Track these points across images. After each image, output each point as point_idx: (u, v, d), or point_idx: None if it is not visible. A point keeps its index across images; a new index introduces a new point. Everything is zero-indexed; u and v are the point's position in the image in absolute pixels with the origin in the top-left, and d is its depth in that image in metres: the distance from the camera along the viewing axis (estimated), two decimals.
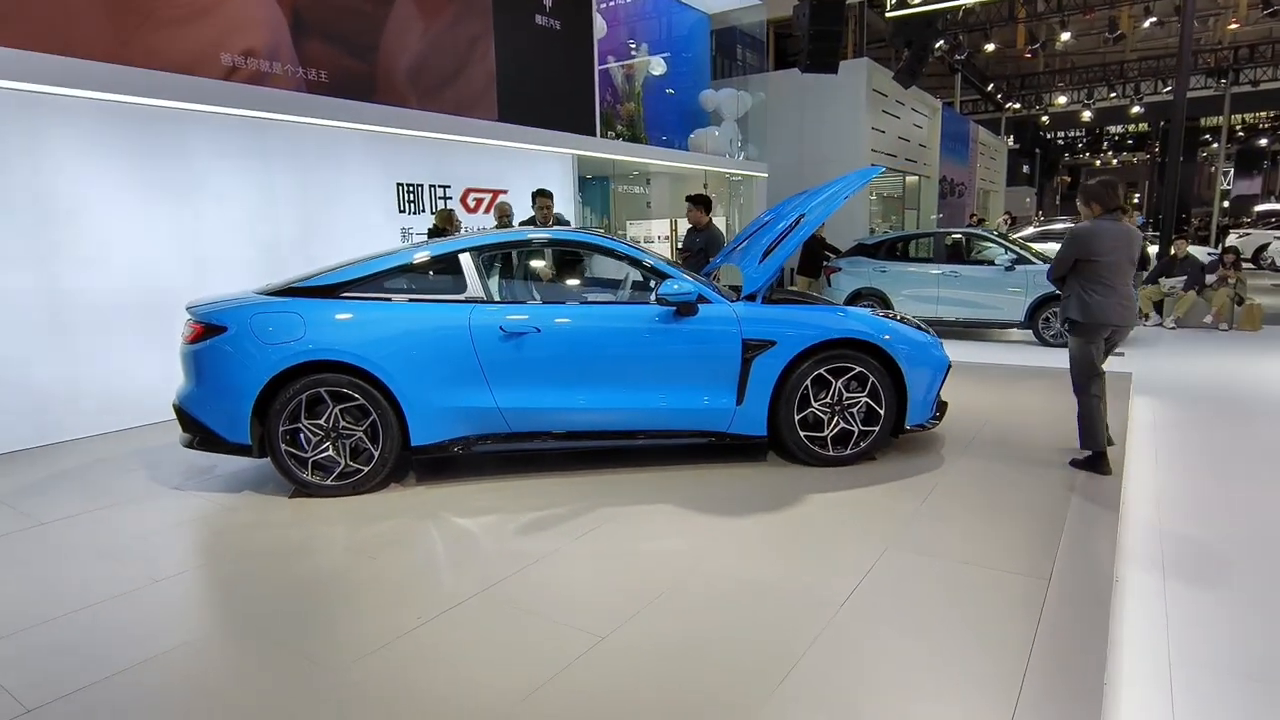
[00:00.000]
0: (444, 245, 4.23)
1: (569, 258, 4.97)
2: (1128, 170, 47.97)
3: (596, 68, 10.22)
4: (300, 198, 6.47)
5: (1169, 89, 24.71)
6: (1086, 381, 4.16)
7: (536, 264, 4.93)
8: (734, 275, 4.92)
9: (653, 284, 4.14)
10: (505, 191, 8.38)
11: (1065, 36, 21.43)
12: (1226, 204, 34.83)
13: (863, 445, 4.21)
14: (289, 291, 3.97)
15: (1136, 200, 43.39)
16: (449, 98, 8.01)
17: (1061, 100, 32.07)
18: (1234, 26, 23.87)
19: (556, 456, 4.41)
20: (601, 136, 10.52)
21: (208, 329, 3.84)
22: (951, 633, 2.52)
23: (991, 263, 9.30)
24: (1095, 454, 4.12)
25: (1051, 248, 9.31)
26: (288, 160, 6.35)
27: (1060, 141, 44.14)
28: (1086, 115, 33.58)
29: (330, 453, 3.84)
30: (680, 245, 7.98)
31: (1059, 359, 6.01)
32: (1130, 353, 8.45)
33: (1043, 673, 2.27)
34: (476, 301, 3.99)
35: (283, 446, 3.79)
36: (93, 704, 2.23)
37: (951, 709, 2.15)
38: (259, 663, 2.46)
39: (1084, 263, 4.04)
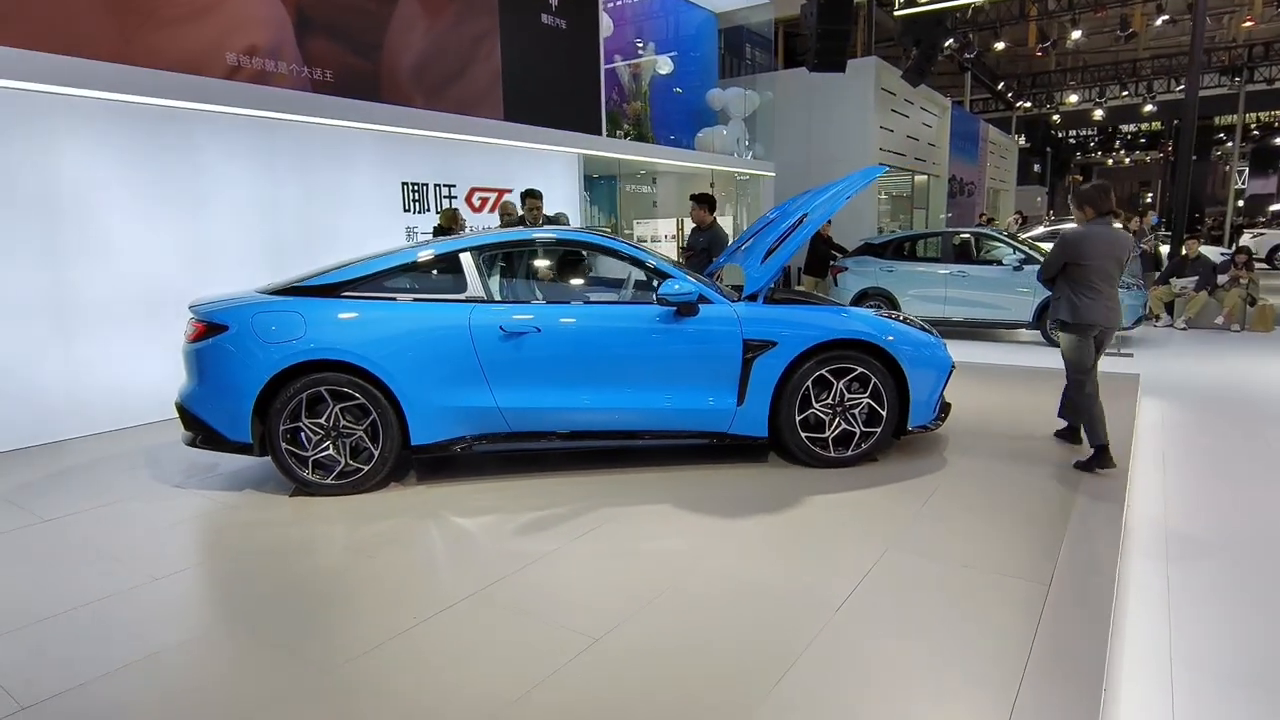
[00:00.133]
0: (444, 245, 4.23)
1: (571, 257, 4.96)
2: (1140, 169, 47.59)
3: (603, 67, 10.21)
4: (305, 197, 6.49)
5: (1182, 87, 24.48)
6: (1081, 377, 4.25)
7: (537, 263, 4.91)
8: (738, 275, 4.90)
9: (655, 284, 4.13)
10: (510, 191, 8.38)
11: (1076, 35, 21.25)
12: (1241, 203, 34.50)
13: (864, 446, 4.18)
14: (290, 291, 3.98)
15: (1150, 199, 43.04)
16: (454, 96, 8.02)
17: (1073, 99, 31.79)
18: (1249, 24, 23.63)
19: (558, 456, 4.40)
20: (608, 136, 10.50)
21: (209, 328, 3.85)
22: (949, 635, 2.50)
23: (999, 263, 9.24)
24: (1098, 448, 4.13)
25: None
26: (293, 159, 6.37)
27: (1072, 140, 43.81)
28: (1098, 114, 33.32)
29: (330, 452, 3.85)
30: (684, 244, 7.97)
31: None
32: (1139, 353, 8.38)
33: (1040, 677, 2.25)
34: (477, 301, 3.98)
35: (283, 445, 3.80)
36: (86, 702, 2.23)
37: (948, 711, 2.13)
38: (253, 662, 2.47)
39: (1073, 266, 4.16)
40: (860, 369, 4.10)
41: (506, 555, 3.19)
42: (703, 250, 6.56)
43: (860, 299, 9.67)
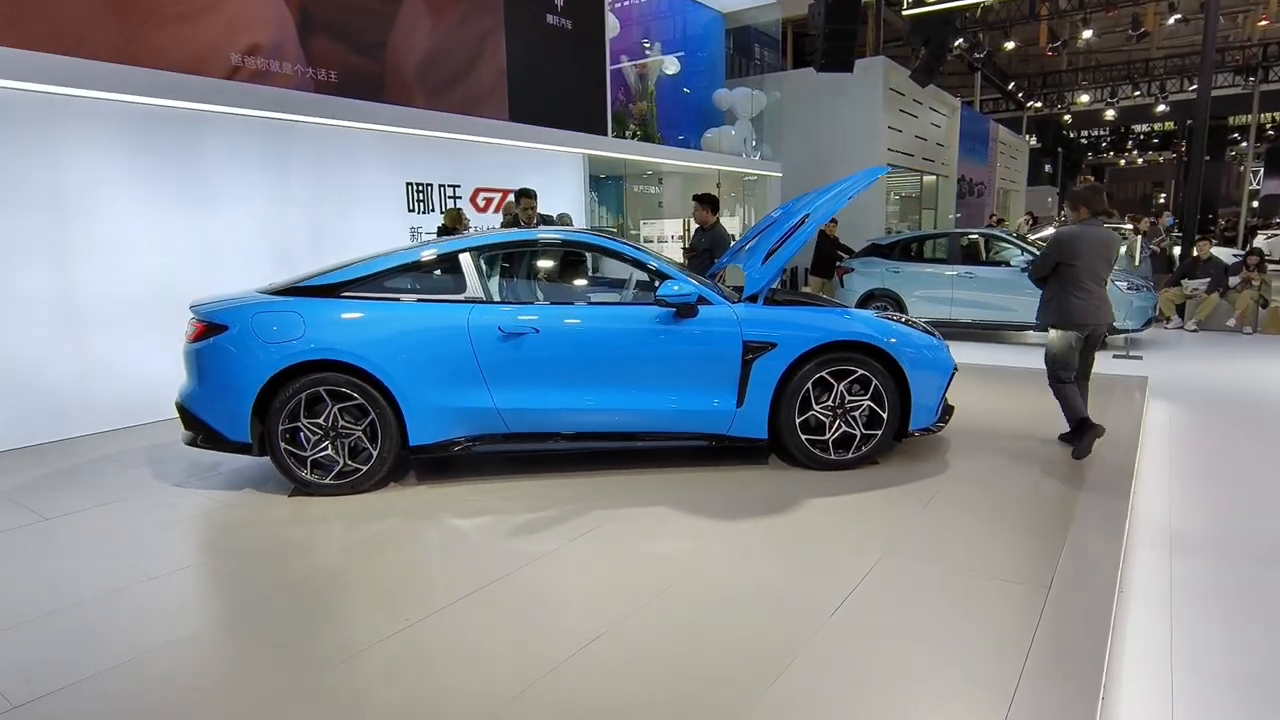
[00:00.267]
0: (444, 245, 4.23)
1: (571, 258, 4.95)
2: (1154, 170, 47.15)
3: (609, 67, 10.20)
4: (311, 197, 6.51)
5: (1194, 87, 24.27)
6: (1060, 372, 4.40)
7: (537, 264, 4.91)
8: (740, 276, 4.88)
9: (655, 285, 4.11)
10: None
11: (1087, 34, 21.08)
12: (1255, 204, 34.14)
13: (865, 449, 4.15)
14: (290, 291, 3.99)
15: (1163, 200, 42.66)
16: (458, 96, 8.02)
17: (1084, 99, 31.57)
18: (1264, 24, 23.40)
19: (558, 457, 4.39)
20: (614, 136, 10.49)
21: (210, 328, 3.86)
22: (947, 637, 2.47)
23: (1007, 264, 9.17)
24: (1079, 422, 4.34)
25: None
26: (299, 160, 6.39)
27: (1083, 140, 43.46)
28: (1110, 114, 33.04)
29: (329, 452, 3.85)
30: (687, 245, 7.95)
31: None
32: (1149, 355, 8.30)
33: (1037, 683, 2.22)
34: (476, 302, 3.98)
35: (282, 445, 3.80)
36: (77, 701, 2.24)
37: (945, 711, 2.11)
38: (250, 661, 2.47)
39: (1065, 265, 4.27)
40: (861, 371, 4.07)
41: (505, 556, 3.19)
42: (705, 251, 6.54)
43: (866, 300, 9.62)
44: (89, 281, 5.23)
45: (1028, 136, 32.00)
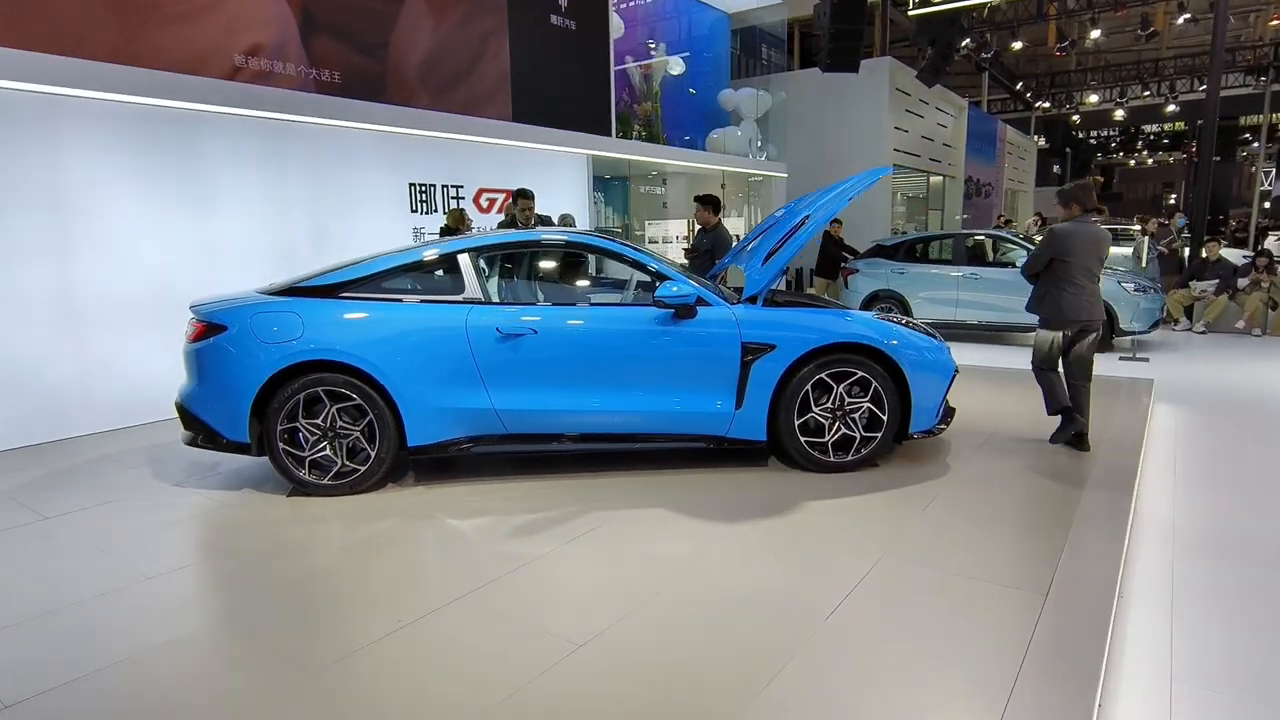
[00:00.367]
0: (443, 246, 4.22)
1: (570, 259, 4.94)
2: (1164, 170, 46.82)
3: (613, 68, 10.19)
4: (312, 197, 6.52)
5: (1204, 87, 24.13)
6: (1045, 364, 4.51)
7: (537, 265, 4.90)
8: (741, 277, 4.86)
9: (655, 285, 4.09)
10: None
11: (1096, 34, 20.94)
12: (1267, 205, 33.85)
13: (864, 451, 4.13)
14: (289, 291, 3.99)
15: (1173, 200, 42.36)
16: (461, 96, 8.01)
17: (1093, 99, 31.35)
18: (1275, 23, 23.21)
19: (557, 458, 4.38)
20: (618, 137, 10.48)
21: (209, 328, 3.87)
22: (944, 641, 2.45)
23: (1013, 265, 9.12)
24: (1060, 412, 4.47)
25: None
26: (300, 160, 6.40)
27: (1092, 141, 43.20)
28: (1119, 114, 32.83)
29: (327, 452, 3.85)
30: (689, 246, 7.93)
31: None
32: (1156, 358, 8.24)
33: (1035, 684, 2.19)
34: (474, 302, 3.97)
35: (280, 445, 3.80)
36: (71, 701, 2.24)
37: (941, 712, 2.09)
38: (246, 661, 2.47)
39: (1058, 262, 4.34)
40: (861, 373, 4.04)
41: (502, 557, 3.18)
42: (706, 252, 6.52)
43: (871, 301, 9.58)
44: (89, 281, 5.25)
45: (1036, 137, 31.84)
